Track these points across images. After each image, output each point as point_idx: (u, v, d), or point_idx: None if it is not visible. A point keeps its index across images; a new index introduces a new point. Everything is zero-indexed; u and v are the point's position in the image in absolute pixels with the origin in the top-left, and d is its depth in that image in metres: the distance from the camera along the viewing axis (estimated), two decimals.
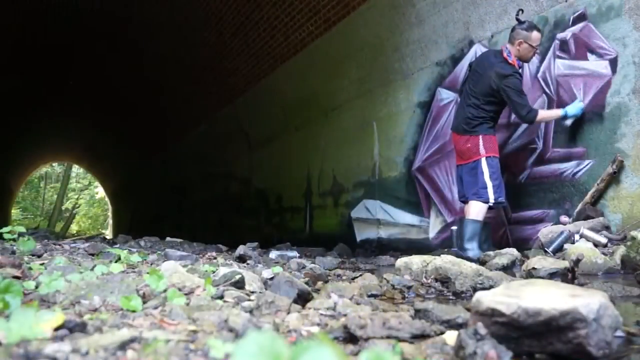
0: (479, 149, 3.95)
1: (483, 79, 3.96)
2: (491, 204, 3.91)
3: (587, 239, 3.37)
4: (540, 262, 2.49)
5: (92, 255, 3.06)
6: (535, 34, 3.89)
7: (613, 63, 3.75)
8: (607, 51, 3.80)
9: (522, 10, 4.06)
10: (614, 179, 3.65)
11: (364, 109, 6.72)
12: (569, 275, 2.40)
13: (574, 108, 3.85)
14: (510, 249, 3.53)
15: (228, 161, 11.12)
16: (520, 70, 3.95)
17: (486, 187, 3.89)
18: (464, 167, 4.11)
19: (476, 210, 3.91)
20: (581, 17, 4.01)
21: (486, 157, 3.93)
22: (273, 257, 4.22)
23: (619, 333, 1.15)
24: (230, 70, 9.32)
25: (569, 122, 3.94)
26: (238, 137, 10.34)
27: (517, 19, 3.99)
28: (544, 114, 3.90)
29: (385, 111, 6.32)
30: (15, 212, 25.54)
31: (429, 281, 2.36)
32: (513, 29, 3.98)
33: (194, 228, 12.93)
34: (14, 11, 8.78)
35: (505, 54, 3.94)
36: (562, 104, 4.06)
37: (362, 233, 6.62)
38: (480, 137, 3.96)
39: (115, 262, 2.50)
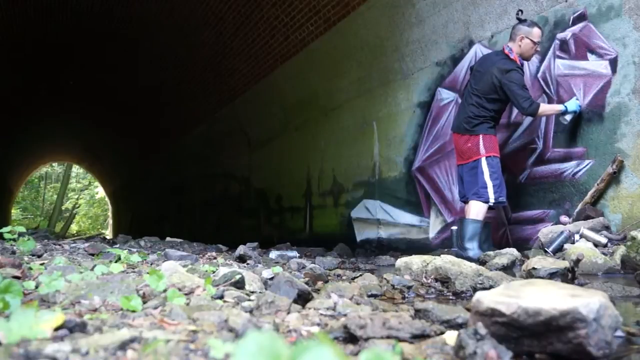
0: (479, 149, 3.94)
1: (485, 77, 3.97)
2: (492, 204, 3.91)
3: (587, 239, 3.37)
4: (540, 262, 2.49)
5: (92, 255, 3.06)
6: (536, 30, 3.93)
7: (613, 63, 3.75)
8: (607, 51, 3.80)
9: (522, 11, 4.10)
10: (614, 179, 3.65)
11: (364, 109, 6.72)
12: (569, 275, 2.40)
13: (572, 104, 3.85)
14: (510, 249, 3.53)
15: (228, 161, 11.12)
16: (522, 67, 3.96)
17: (486, 187, 3.89)
18: (464, 166, 4.10)
19: (476, 210, 3.91)
20: (581, 17, 4.02)
21: (486, 157, 3.92)
22: (273, 257, 4.23)
23: (619, 333, 1.15)
24: (230, 70, 9.32)
25: (568, 117, 3.88)
26: (238, 137, 10.34)
27: (518, 18, 4.02)
28: (545, 107, 3.88)
29: (385, 111, 6.32)
30: (15, 212, 25.54)
31: (429, 281, 2.36)
32: (514, 27, 4.00)
33: (194, 228, 12.94)
34: (14, 11, 8.79)
35: (506, 51, 3.96)
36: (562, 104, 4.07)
37: (362, 233, 6.62)
38: (481, 136, 3.95)
39: (115, 262, 2.50)
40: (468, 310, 1.30)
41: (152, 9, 9.16)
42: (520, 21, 3.99)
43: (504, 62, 3.90)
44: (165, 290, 1.49)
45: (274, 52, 7.98)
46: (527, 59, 4.04)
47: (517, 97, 3.82)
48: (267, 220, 9.50)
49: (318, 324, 1.25)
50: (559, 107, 3.88)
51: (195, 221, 13.17)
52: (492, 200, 3.88)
